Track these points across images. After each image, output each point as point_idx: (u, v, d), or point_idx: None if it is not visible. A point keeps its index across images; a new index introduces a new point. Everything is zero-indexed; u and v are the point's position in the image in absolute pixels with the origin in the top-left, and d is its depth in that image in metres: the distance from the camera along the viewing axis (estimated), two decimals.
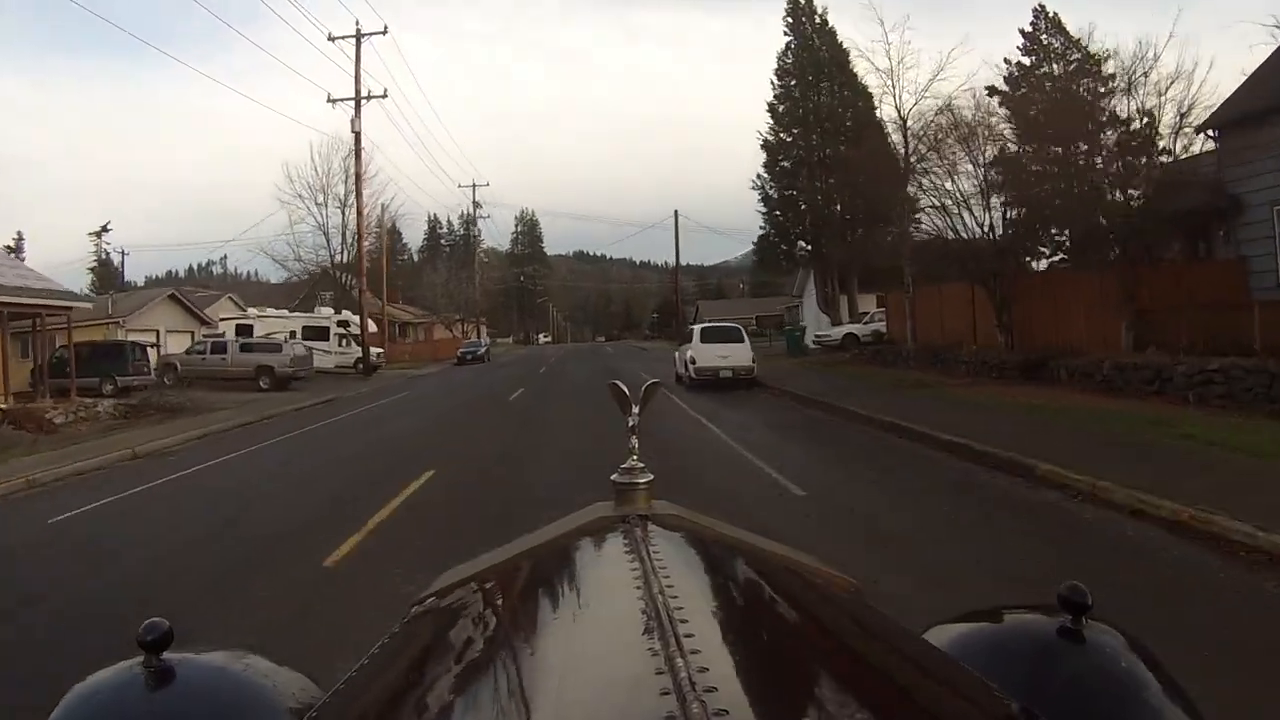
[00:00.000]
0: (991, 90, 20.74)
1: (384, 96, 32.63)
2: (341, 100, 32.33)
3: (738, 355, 19.15)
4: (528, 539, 1.16)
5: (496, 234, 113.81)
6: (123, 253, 77.08)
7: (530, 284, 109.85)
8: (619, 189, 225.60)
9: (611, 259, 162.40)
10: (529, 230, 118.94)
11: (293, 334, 34.06)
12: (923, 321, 22.88)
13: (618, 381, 1.23)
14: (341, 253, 47.28)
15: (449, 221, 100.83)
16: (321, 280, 49.54)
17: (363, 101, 32.15)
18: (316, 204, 47.35)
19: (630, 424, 1.18)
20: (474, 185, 59.34)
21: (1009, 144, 18.30)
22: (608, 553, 0.99)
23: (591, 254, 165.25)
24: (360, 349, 35.55)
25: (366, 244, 43.78)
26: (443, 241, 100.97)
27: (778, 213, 31.41)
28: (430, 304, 61.33)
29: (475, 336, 56.63)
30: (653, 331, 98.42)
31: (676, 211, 49.72)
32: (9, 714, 3.51)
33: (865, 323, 28.39)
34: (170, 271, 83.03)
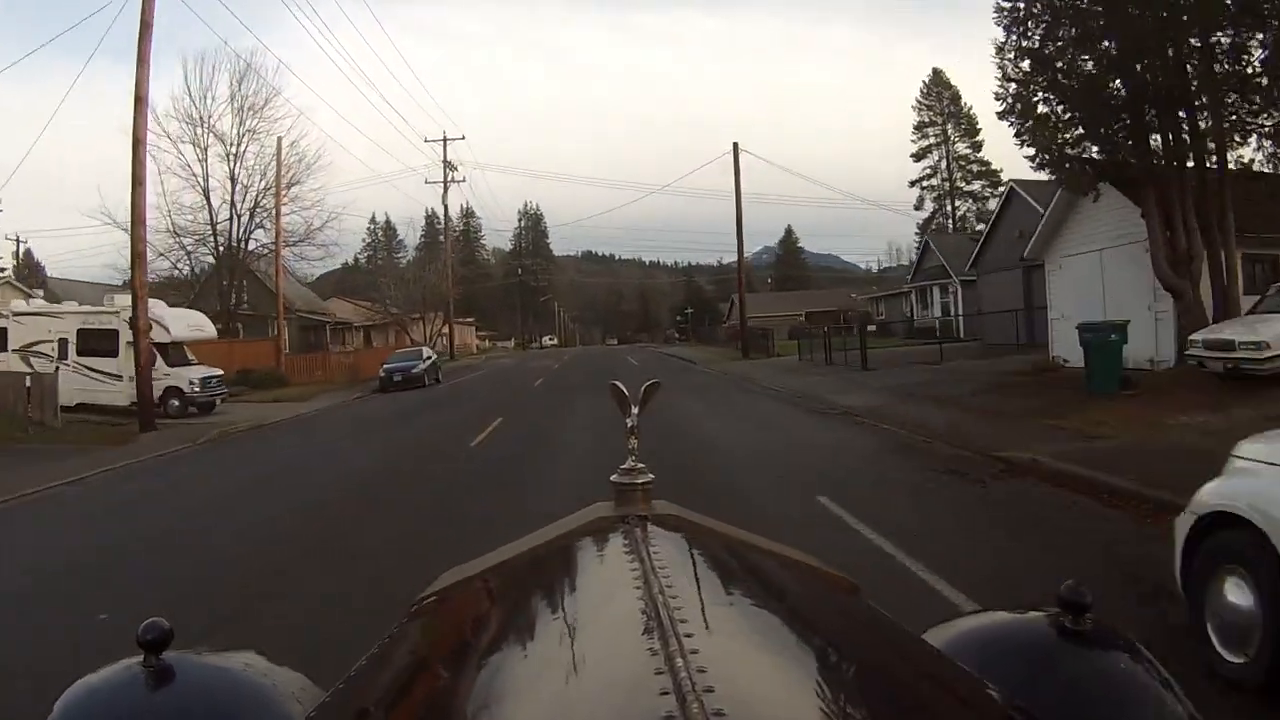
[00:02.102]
0: None
1: None
2: None
3: None
4: (528, 539, 1.14)
5: (499, 226, 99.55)
6: (18, 240, 61.97)
7: (532, 280, 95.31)
8: (623, 187, 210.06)
9: (620, 259, 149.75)
10: (533, 225, 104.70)
11: (63, 342, 18.82)
12: None
13: (617, 382, 1.15)
14: (231, 219, 32.08)
15: (448, 217, 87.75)
16: (224, 263, 34.27)
17: None
18: (197, 145, 32.19)
19: (629, 424, 1.13)
20: (445, 139, 44.13)
21: None
22: (608, 553, 0.96)
23: (600, 254, 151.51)
24: (197, 365, 20.15)
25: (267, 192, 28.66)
26: (441, 238, 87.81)
27: (1055, 75, 13.00)
28: (390, 297, 45.91)
29: (444, 339, 41.02)
30: (681, 333, 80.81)
31: (736, 144, 34.32)
32: None
33: None
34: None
